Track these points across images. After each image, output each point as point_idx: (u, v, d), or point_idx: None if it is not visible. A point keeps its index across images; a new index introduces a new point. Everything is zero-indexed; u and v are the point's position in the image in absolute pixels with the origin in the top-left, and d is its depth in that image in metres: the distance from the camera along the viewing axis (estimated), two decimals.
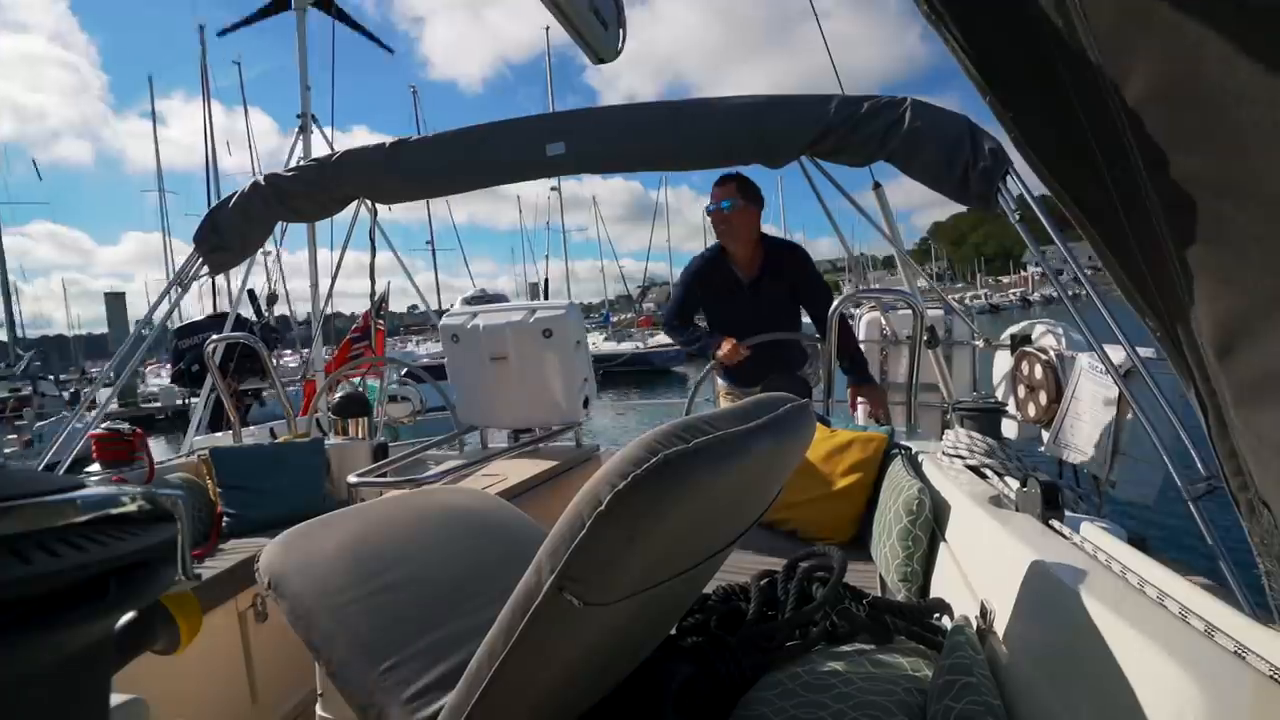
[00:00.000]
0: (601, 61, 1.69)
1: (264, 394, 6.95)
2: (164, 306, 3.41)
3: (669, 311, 3.20)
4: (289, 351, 15.74)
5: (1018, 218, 2.22)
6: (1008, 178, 2.22)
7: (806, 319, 3.16)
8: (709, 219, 2.97)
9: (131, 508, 0.43)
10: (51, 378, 21.27)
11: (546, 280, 31.17)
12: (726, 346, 2.86)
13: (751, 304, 2.96)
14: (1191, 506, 1.28)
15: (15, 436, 13.95)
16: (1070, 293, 2.03)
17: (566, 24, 1.50)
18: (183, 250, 5.27)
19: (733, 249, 2.98)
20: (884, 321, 3.53)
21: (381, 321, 5.80)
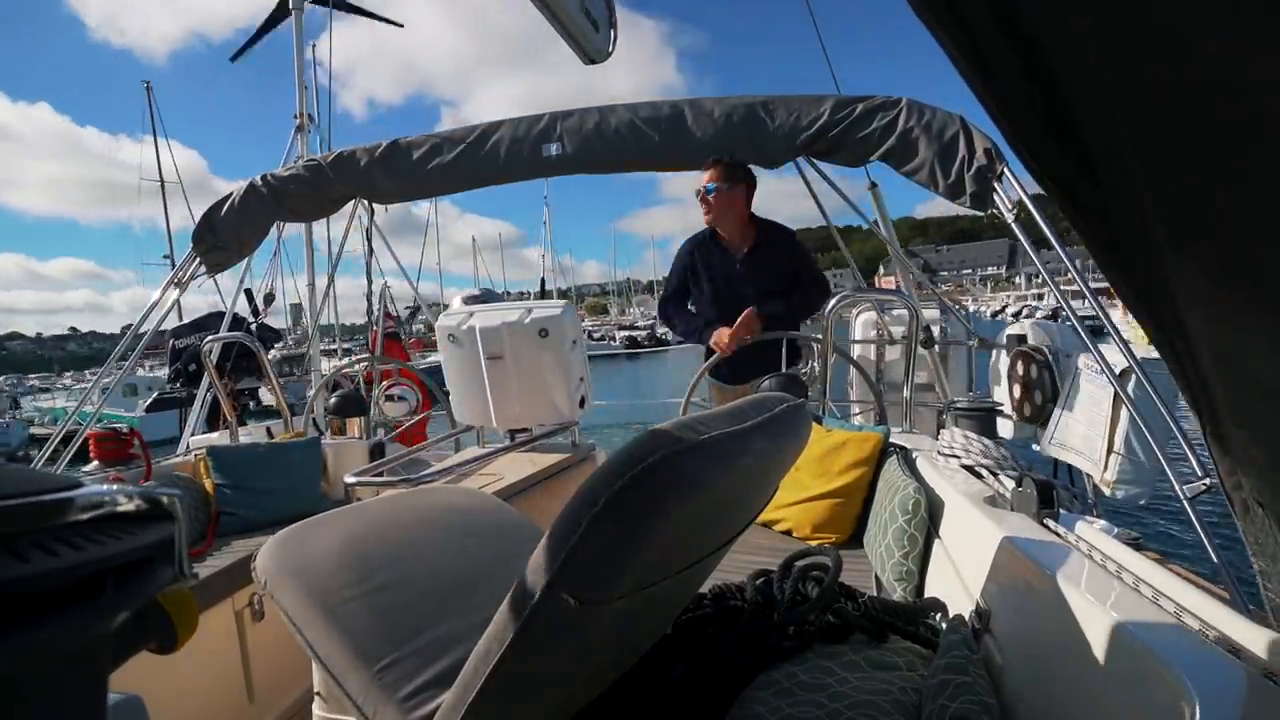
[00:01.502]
0: (592, 62, 1.68)
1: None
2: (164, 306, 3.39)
3: (664, 295, 3.23)
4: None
5: (1013, 217, 2.23)
6: (1003, 177, 2.23)
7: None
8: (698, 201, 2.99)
9: (129, 506, 0.43)
10: None
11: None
12: (722, 335, 2.88)
13: (743, 276, 3.00)
14: (1186, 506, 1.29)
15: None
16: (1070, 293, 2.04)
17: (556, 24, 1.48)
18: None
19: (721, 229, 3.02)
20: (880, 321, 3.54)
21: (390, 324, 5.81)
